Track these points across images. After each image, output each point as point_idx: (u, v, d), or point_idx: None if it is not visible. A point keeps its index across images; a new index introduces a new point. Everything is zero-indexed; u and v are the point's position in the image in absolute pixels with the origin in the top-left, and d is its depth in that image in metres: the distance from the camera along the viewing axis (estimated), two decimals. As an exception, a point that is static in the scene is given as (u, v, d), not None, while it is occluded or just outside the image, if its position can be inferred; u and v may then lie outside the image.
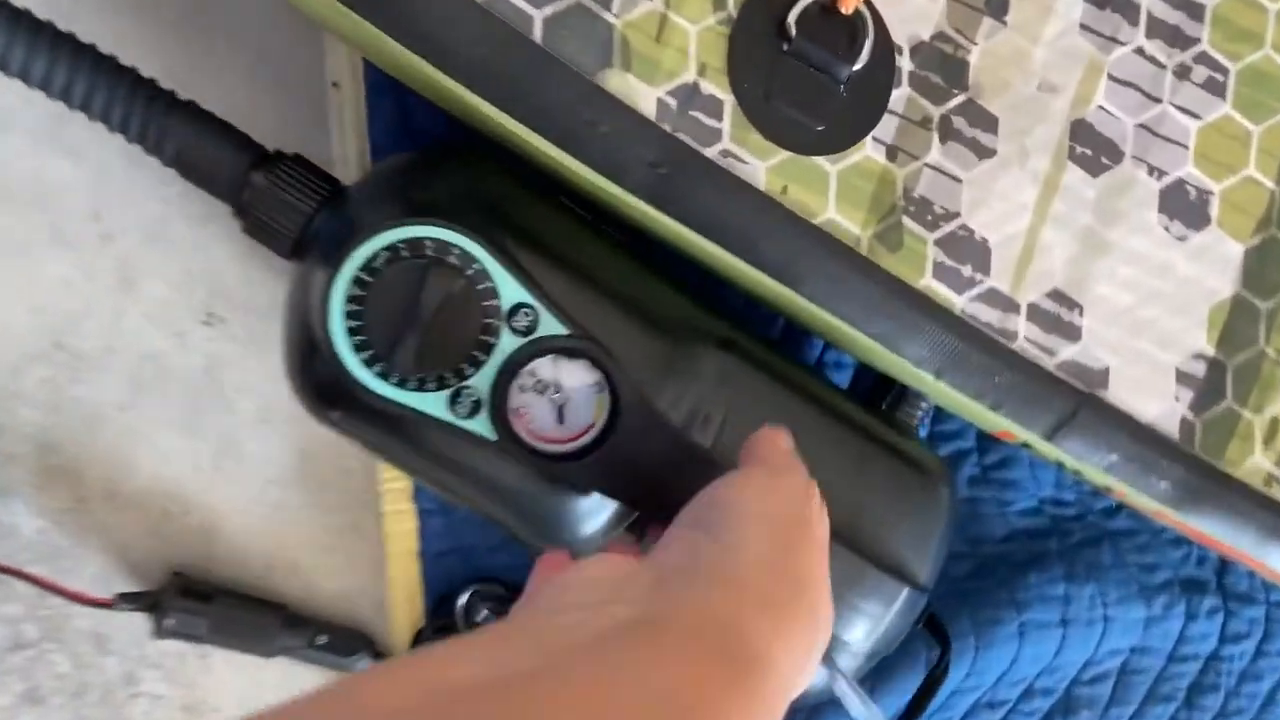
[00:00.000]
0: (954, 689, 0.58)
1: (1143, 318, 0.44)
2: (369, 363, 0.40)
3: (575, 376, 0.41)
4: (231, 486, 0.54)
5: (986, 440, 0.58)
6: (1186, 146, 0.44)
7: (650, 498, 0.41)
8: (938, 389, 0.44)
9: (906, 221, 0.41)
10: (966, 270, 0.42)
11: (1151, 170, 0.43)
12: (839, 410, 0.47)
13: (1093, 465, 0.45)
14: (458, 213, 0.41)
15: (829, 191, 0.41)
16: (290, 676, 0.56)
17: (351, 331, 0.40)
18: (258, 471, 0.55)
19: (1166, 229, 0.44)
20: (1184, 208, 0.44)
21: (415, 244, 0.40)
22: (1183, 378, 0.44)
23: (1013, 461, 0.58)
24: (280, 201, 0.44)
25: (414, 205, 0.42)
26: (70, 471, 0.53)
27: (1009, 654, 0.58)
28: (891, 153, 0.41)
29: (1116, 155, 0.43)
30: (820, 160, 0.41)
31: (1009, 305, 0.43)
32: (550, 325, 0.41)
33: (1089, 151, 0.43)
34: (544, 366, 0.41)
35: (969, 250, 0.42)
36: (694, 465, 0.40)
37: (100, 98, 0.42)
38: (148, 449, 0.54)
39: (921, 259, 0.42)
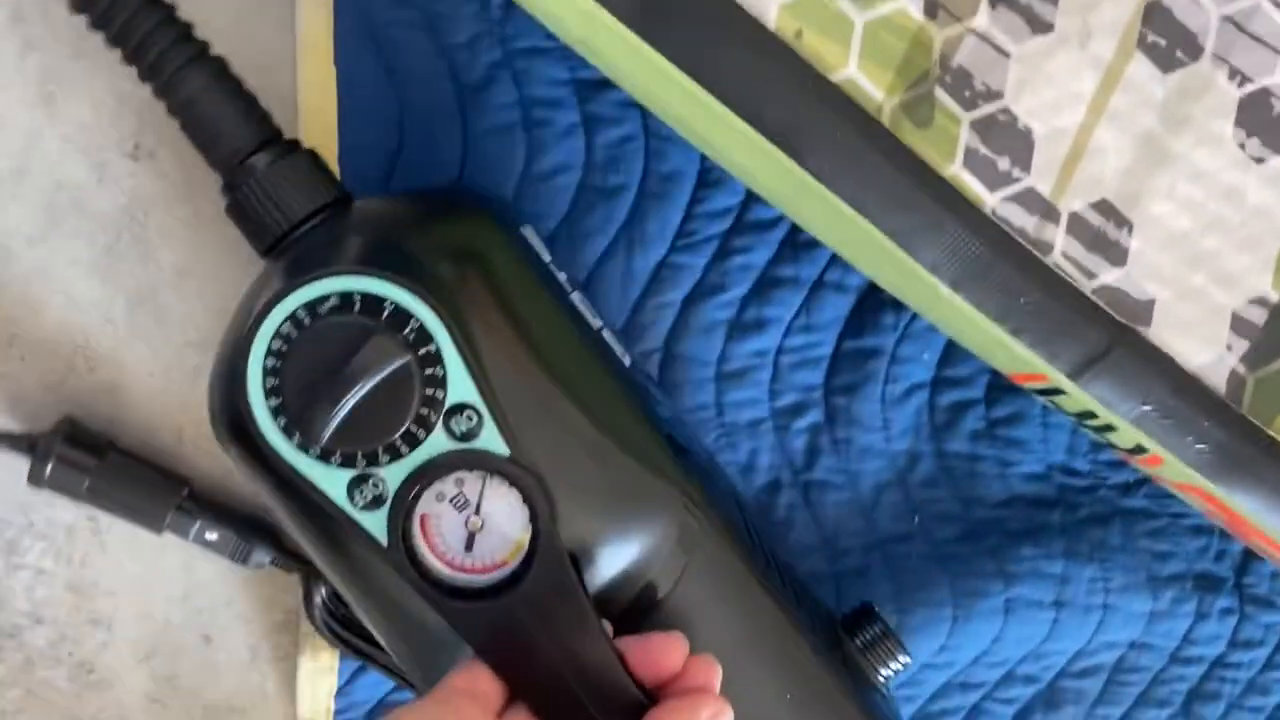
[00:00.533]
0: (925, 662, 0.53)
1: (1201, 248, 0.38)
2: (276, 412, 0.35)
3: (501, 506, 0.35)
4: (145, 344, 0.48)
5: (997, 392, 0.52)
6: (1279, 51, 0.37)
7: (533, 684, 0.35)
8: (950, 308, 0.38)
9: (940, 94, 0.35)
10: (1003, 163, 0.36)
11: (1233, 74, 0.37)
12: (801, 633, 0.42)
13: (1121, 415, 0.39)
14: (434, 279, 0.36)
15: (852, 43, 0.34)
16: (190, 568, 0.50)
17: (268, 372, 0.35)
18: (176, 331, 0.48)
19: (1242, 146, 0.37)
20: (1266, 123, 0.37)
21: (369, 300, 0.35)
22: (1239, 324, 0.38)
23: (1024, 418, 0.52)
24: (275, 193, 0.40)
25: (392, 255, 0.37)
26: (-36, 308, 0.47)
27: (991, 631, 0.52)
28: (931, 8, 0.35)
29: (1194, 50, 0.37)
30: (845, 4, 0.34)
31: (1048, 212, 0.36)
32: (492, 439, 0.35)
33: (1162, 41, 0.36)
34: (471, 482, 0.35)
35: (1009, 139, 0.36)
36: (598, 669, 0.35)
37: (123, 19, 0.39)
38: (56, 292, 0.48)
39: (952, 141, 0.35)
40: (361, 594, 0.39)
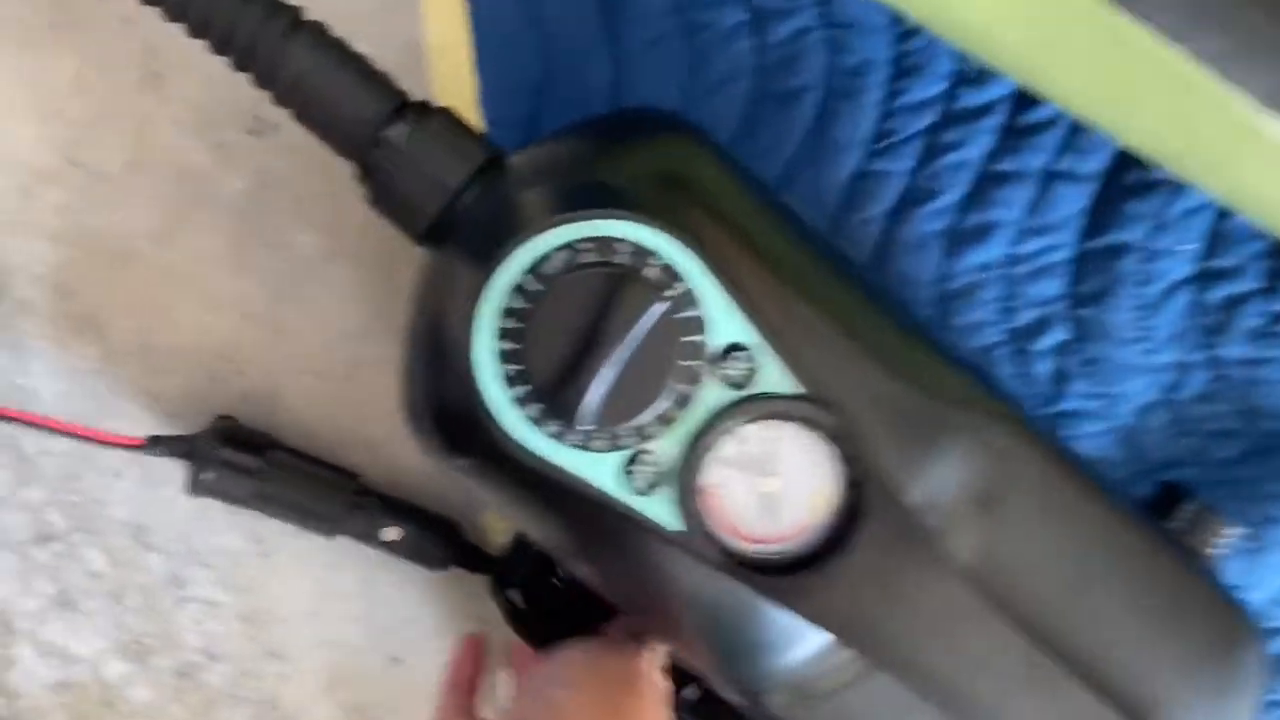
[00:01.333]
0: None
1: None
2: (521, 402, 0.30)
3: (798, 453, 0.30)
4: (292, 339, 0.43)
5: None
6: None
7: (885, 642, 0.30)
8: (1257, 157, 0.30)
9: None
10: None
11: None
12: (1126, 520, 0.35)
13: None
14: (660, 208, 0.30)
15: None
16: (369, 582, 0.45)
17: (504, 358, 0.30)
18: (325, 319, 0.43)
19: None
20: None
21: (602, 246, 0.30)
22: None
23: (1316, 306, 0.43)
24: (419, 167, 0.33)
25: (600, 192, 0.31)
26: (94, 321, 0.43)
27: (1292, 565, 0.44)
28: None
29: None
30: None
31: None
32: (773, 378, 0.30)
33: None
34: (756, 435, 0.30)
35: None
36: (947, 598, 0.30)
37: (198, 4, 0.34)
38: (187, 292, 0.43)
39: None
40: (648, 593, 0.32)
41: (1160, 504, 0.39)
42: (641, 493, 0.30)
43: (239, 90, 0.42)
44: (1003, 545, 0.32)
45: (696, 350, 0.30)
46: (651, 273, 0.29)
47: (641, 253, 0.29)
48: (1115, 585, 0.34)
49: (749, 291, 0.30)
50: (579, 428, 0.29)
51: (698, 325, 0.30)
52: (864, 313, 0.33)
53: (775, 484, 0.30)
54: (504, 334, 0.30)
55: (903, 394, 0.32)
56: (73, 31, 0.41)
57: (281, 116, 0.42)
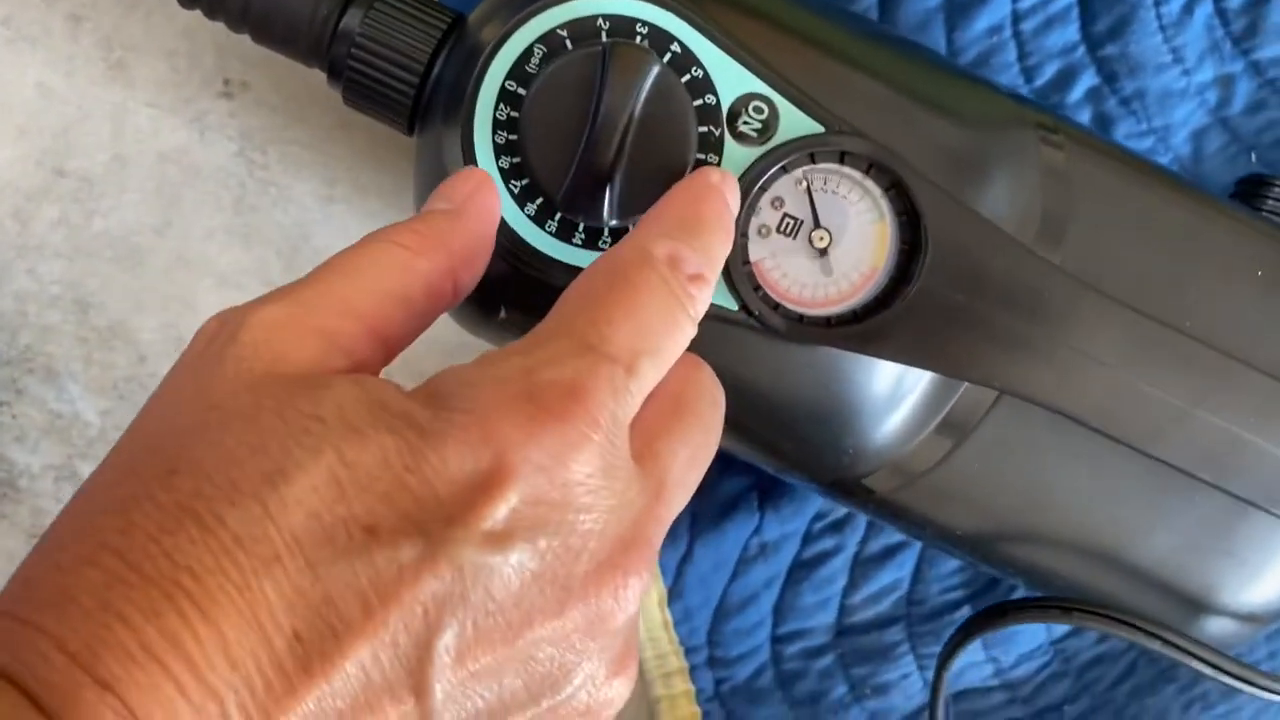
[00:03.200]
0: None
1: None
2: (539, 219, 0.28)
3: (840, 195, 0.28)
4: (317, 295, 0.42)
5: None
6: None
7: (982, 357, 0.29)
8: None
9: None
10: None
11: None
12: (1219, 207, 0.33)
13: None
14: None
15: None
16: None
17: (506, 175, 0.28)
18: (343, 266, 0.42)
19: None
20: None
21: (580, 29, 0.28)
22: None
23: (1345, -22, 0.41)
24: (384, 49, 0.32)
25: None
26: (121, 328, 0.42)
27: None
28: None
29: None
30: None
31: None
32: (794, 121, 0.28)
33: None
34: (790, 189, 0.28)
35: None
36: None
37: None
38: (203, 275, 0.42)
39: None
40: (732, 394, 0.29)
41: (1246, 188, 0.37)
42: None
43: (201, 57, 0.41)
44: (1083, 262, 0.30)
45: (708, 114, 0.28)
46: (643, 44, 0.28)
47: (621, 24, 0.28)
48: (1216, 271, 0.32)
49: (747, 40, 0.28)
50: (607, 225, 0.28)
51: (702, 86, 0.28)
52: (881, 50, 0.31)
53: (824, 236, 0.28)
54: (502, 149, 0.28)
55: (940, 121, 0.30)
56: (24, 43, 0.41)
57: (250, 73, 0.41)
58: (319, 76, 0.34)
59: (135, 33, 0.41)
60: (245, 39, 0.35)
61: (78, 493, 0.23)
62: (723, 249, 0.25)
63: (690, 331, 0.24)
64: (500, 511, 0.21)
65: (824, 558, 0.42)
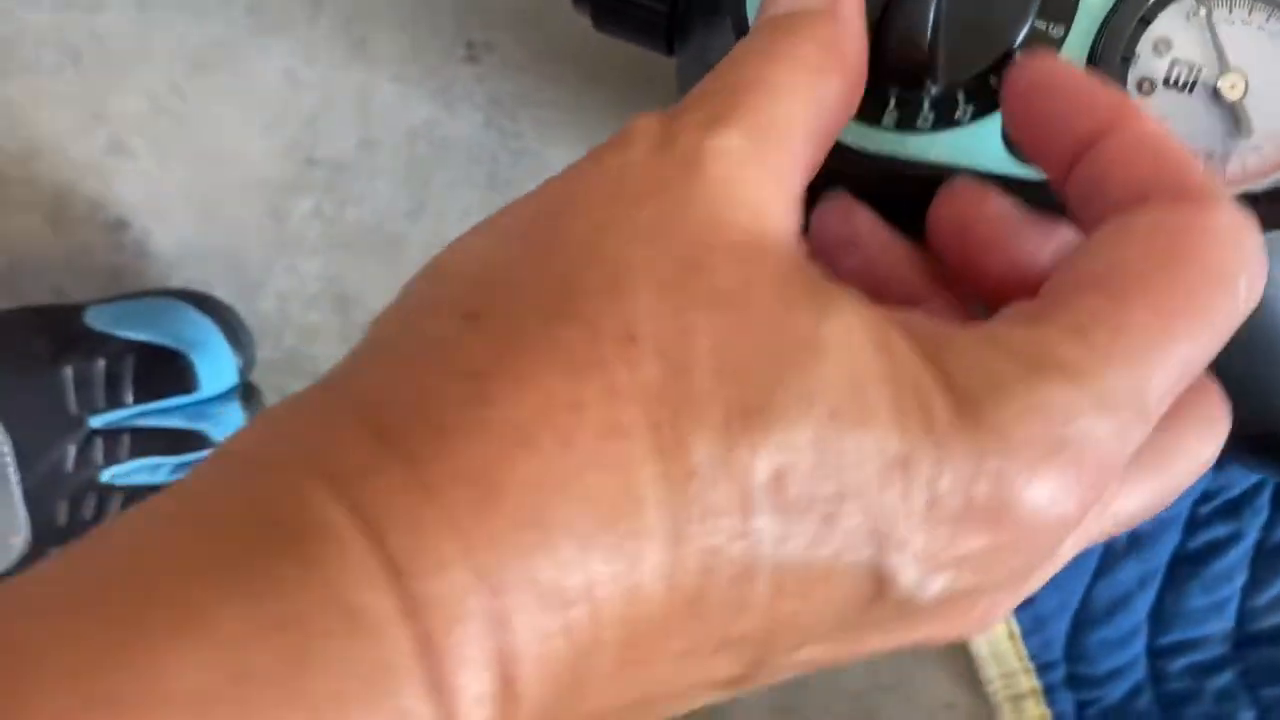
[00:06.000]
0: None
1: None
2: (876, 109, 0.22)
3: (1255, 25, 0.21)
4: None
5: None
6: None
7: None
8: None
9: None
10: None
11: None
12: None
13: None
14: None
15: None
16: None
17: None
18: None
19: None
20: None
21: None
22: None
23: None
24: None
25: None
26: (382, 323, 0.39)
27: None
28: None
29: None
30: None
31: None
32: None
33: None
34: (1178, 24, 0.21)
35: None
36: None
37: None
38: (462, 260, 0.39)
39: None
40: None
41: None
42: None
43: (440, 20, 0.38)
44: None
45: None
46: None
47: None
48: None
49: None
50: (931, 94, 0.21)
51: None
52: None
53: (1237, 82, 0.20)
54: None
55: None
56: (269, 33, 0.39)
57: (493, 33, 0.38)
58: (563, 28, 0.30)
59: (374, 7, 0.38)
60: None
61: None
62: None
63: None
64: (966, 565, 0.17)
65: (1216, 549, 0.34)
